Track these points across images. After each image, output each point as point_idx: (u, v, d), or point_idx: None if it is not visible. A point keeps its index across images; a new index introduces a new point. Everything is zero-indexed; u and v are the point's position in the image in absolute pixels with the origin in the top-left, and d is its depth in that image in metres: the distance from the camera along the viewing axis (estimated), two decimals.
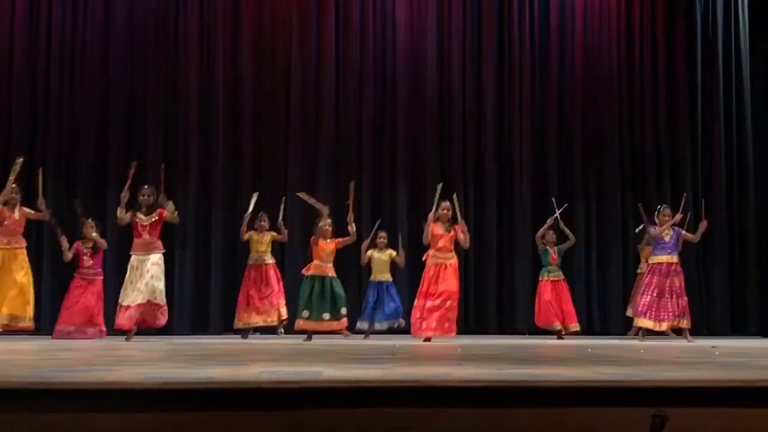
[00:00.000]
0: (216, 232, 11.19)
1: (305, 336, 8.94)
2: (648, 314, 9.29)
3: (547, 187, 11.79)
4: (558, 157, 12.02)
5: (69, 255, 9.38)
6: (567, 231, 10.40)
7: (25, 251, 8.95)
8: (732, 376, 3.44)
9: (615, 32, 12.28)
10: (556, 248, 10.32)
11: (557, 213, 10.30)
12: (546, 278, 10.28)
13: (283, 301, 10.02)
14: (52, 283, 10.46)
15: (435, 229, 8.92)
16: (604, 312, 11.74)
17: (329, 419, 2.62)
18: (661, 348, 7.03)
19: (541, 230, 10.31)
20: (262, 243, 9.93)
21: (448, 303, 8.83)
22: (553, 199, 10.63)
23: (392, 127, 11.80)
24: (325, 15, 11.78)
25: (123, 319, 8.84)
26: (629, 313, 10.49)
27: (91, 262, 9.48)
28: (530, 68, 12.09)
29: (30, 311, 8.80)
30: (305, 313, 8.97)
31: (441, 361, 4.74)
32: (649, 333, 9.42)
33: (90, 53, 11.31)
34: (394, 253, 10.01)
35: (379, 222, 10.44)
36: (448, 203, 9.03)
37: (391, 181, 11.69)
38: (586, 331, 11.08)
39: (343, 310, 9.09)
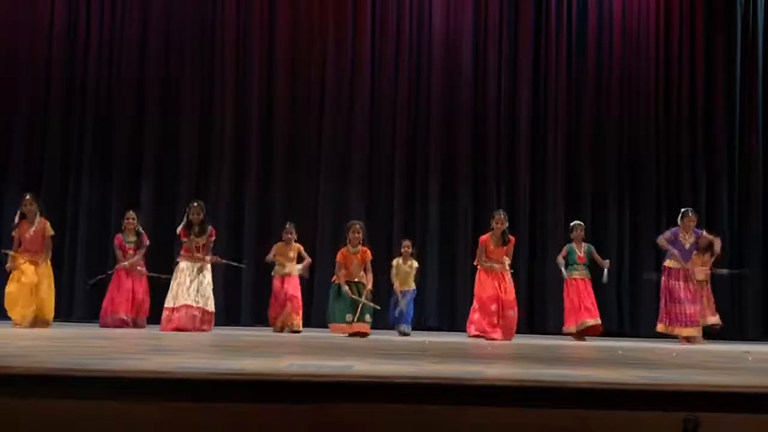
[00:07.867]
0: (248, 223, 11.28)
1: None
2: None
3: (580, 188, 11.73)
4: (592, 159, 11.92)
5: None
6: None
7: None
8: (765, 382, 3.40)
9: (654, 39, 12.11)
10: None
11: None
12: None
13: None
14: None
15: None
16: (635, 314, 11.64)
17: (358, 414, 2.62)
18: (694, 352, 6.96)
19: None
20: (287, 255, 9.68)
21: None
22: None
23: (425, 127, 11.79)
24: (361, 14, 11.80)
25: (172, 321, 8.74)
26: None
27: (135, 256, 9.50)
28: (566, 70, 12.01)
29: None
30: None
31: (471, 359, 4.72)
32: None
33: (126, 56, 11.60)
34: (416, 264, 9.95)
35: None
36: None
37: (423, 179, 11.68)
38: (617, 333, 11.03)
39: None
